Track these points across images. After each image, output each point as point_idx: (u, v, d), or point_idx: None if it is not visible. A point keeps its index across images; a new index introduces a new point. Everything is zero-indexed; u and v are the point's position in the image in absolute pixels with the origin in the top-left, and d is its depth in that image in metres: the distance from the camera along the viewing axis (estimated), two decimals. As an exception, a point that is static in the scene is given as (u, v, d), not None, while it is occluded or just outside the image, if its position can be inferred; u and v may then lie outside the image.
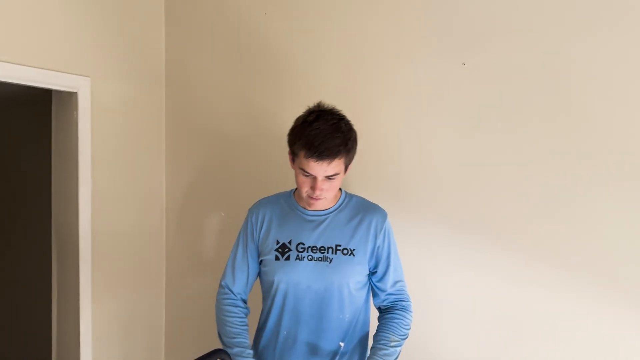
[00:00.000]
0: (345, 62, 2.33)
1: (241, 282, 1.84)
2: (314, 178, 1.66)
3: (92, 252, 2.44)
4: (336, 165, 1.64)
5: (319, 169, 1.62)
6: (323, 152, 1.60)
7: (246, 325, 1.82)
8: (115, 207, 2.58)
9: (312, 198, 1.69)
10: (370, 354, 1.72)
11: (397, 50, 2.21)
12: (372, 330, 1.85)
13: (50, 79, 2.32)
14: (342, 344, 1.75)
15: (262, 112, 2.56)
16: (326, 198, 1.70)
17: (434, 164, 2.14)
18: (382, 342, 1.70)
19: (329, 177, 1.65)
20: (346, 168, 1.72)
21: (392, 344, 1.70)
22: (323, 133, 1.61)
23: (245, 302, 1.87)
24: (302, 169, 1.65)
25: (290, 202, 1.83)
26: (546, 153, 1.94)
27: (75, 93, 2.42)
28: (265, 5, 2.52)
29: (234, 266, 1.85)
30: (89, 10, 2.45)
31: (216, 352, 1.45)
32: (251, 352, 1.75)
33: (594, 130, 1.87)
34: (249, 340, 1.79)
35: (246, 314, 1.85)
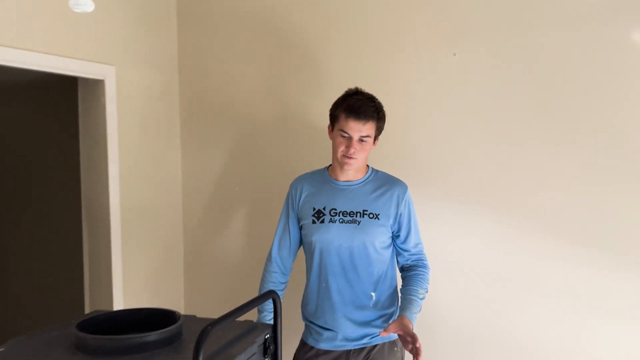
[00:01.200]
0: (348, 52, 2.61)
1: (285, 248, 2.19)
2: (350, 138, 1.99)
3: (121, 224, 2.71)
4: (369, 127, 1.99)
5: (356, 128, 1.98)
6: (360, 113, 1.97)
7: (278, 288, 2.18)
8: (138, 183, 2.85)
9: (346, 157, 2.01)
10: (402, 304, 2.03)
11: (396, 40, 2.51)
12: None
13: (80, 67, 2.56)
14: (373, 294, 2.07)
15: (268, 96, 2.84)
16: (357, 159, 2.02)
17: (430, 142, 2.45)
18: (413, 294, 2.02)
19: (361, 139, 1.99)
20: (375, 138, 2.06)
21: (420, 296, 2.04)
22: (361, 101, 2.01)
23: (287, 270, 2.21)
24: (342, 130, 2.01)
25: (325, 176, 2.16)
26: (534, 133, 2.27)
27: (103, 80, 2.66)
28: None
29: (279, 237, 2.20)
30: (113, 4, 2.69)
31: (268, 294, 1.70)
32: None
33: (574, 109, 2.21)
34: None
35: (284, 273, 2.21)
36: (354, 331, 2.06)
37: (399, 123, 2.49)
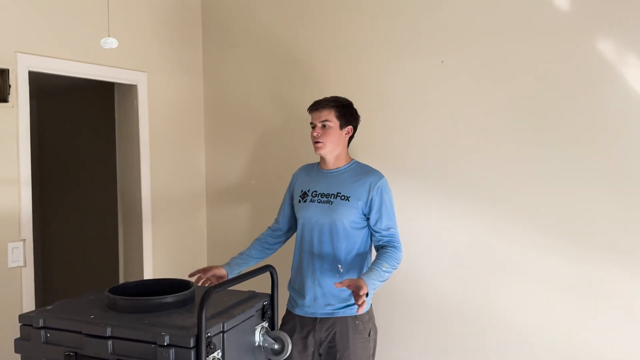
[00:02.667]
0: (350, 58, 2.92)
1: (282, 217, 2.61)
2: (315, 126, 2.39)
3: (151, 212, 3.09)
4: (327, 114, 2.36)
5: (316, 116, 2.39)
6: (316, 104, 2.41)
7: (262, 241, 2.61)
8: (167, 177, 3.22)
9: (314, 142, 2.39)
10: (368, 270, 2.24)
11: (393, 49, 2.80)
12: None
13: (116, 74, 2.93)
14: (340, 267, 2.36)
15: (284, 100, 3.17)
16: (324, 142, 2.36)
17: (418, 140, 2.74)
18: (377, 265, 2.25)
19: (323, 124, 2.36)
20: (342, 126, 2.38)
21: (384, 268, 2.25)
22: (322, 99, 2.43)
23: (285, 229, 2.63)
24: (311, 123, 2.41)
25: (317, 166, 2.53)
26: (517, 133, 2.55)
27: (136, 85, 3.03)
28: (287, 12, 3.11)
29: (279, 210, 2.64)
30: (145, 18, 3.05)
31: (266, 267, 2.02)
32: (247, 255, 2.57)
33: (555, 112, 2.46)
34: (254, 253, 2.58)
35: (274, 235, 2.62)
36: (322, 300, 2.35)
37: (396, 123, 2.79)
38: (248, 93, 3.28)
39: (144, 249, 3.08)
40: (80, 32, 2.77)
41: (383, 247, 2.36)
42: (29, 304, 2.58)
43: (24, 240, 2.57)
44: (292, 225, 2.61)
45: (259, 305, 1.93)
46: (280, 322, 2.41)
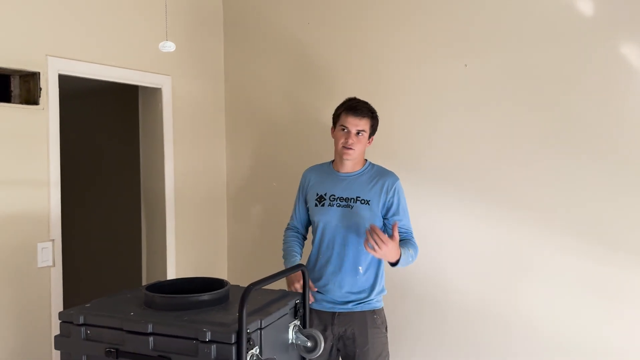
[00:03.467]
0: (372, 63, 2.96)
1: (298, 219, 2.62)
2: (349, 132, 2.39)
3: (175, 212, 3.14)
4: (365, 123, 2.40)
5: (353, 122, 2.39)
6: (357, 110, 2.40)
7: (297, 240, 2.60)
8: (190, 177, 3.27)
9: (345, 147, 2.39)
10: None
11: (412, 53, 2.84)
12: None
13: (143, 77, 2.98)
14: (361, 268, 2.41)
15: (302, 103, 3.21)
16: (355, 150, 2.39)
17: (440, 142, 2.78)
18: (406, 246, 2.33)
19: (358, 132, 2.38)
20: (370, 135, 2.43)
21: (410, 252, 2.35)
22: (359, 103, 2.45)
23: (303, 232, 2.64)
24: (342, 125, 2.41)
25: (329, 168, 2.55)
26: (532, 136, 2.58)
27: (160, 89, 3.08)
28: (308, 16, 3.15)
29: (294, 211, 2.64)
30: (169, 24, 3.09)
31: (298, 266, 2.06)
32: (297, 253, 2.53)
33: (566, 115, 2.51)
34: (297, 252, 2.54)
35: (299, 236, 2.63)
36: (341, 297, 2.41)
37: (418, 127, 2.83)
38: (268, 96, 3.33)
39: (167, 249, 3.12)
40: (107, 36, 2.82)
41: (403, 240, 2.41)
42: (57, 303, 2.62)
43: (53, 240, 2.61)
44: (308, 226, 2.65)
45: (291, 304, 1.97)
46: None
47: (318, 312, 2.46)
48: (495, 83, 2.65)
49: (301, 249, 2.61)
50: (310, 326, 2.40)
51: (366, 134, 2.42)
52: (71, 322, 1.79)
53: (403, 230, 2.44)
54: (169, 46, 2.21)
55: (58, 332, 1.86)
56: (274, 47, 3.29)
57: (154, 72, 3.04)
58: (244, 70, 3.42)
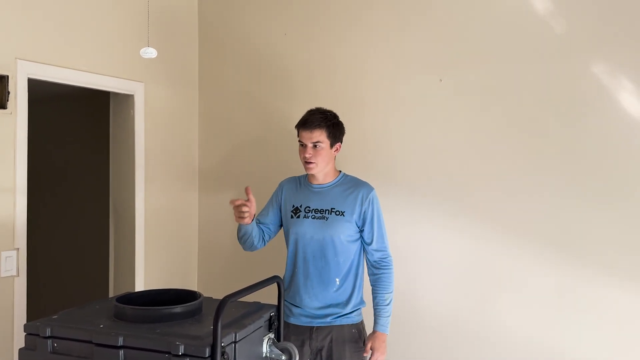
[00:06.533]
0: (347, 76, 2.97)
1: (268, 222, 2.54)
2: (305, 146, 2.36)
3: (144, 222, 3.07)
4: (319, 134, 2.35)
5: (306, 136, 2.36)
6: (307, 123, 2.36)
7: (260, 232, 2.49)
8: (161, 185, 3.21)
9: (306, 162, 2.38)
10: (376, 313, 2.39)
11: (388, 67, 2.86)
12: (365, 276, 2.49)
13: (115, 83, 2.93)
14: (337, 280, 2.39)
15: (275, 113, 3.20)
16: (316, 163, 2.36)
17: (414, 156, 2.79)
18: (380, 304, 2.39)
19: (314, 145, 2.34)
20: (332, 144, 2.39)
21: (387, 301, 2.39)
22: (311, 114, 2.40)
23: (264, 227, 2.52)
24: (299, 141, 2.40)
25: (304, 180, 2.54)
26: (508, 149, 2.62)
27: (132, 95, 3.03)
28: (285, 27, 3.15)
29: (265, 212, 2.57)
30: (143, 29, 3.05)
31: (274, 278, 2.03)
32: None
33: (542, 129, 2.54)
34: (254, 230, 2.43)
35: (264, 234, 2.52)
36: (318, 310, 2.39)
37: (394, 139, 2.84)
38: (242, 105, 3.30)
39: (136, 259, 3.05)
40: (79, 40, 2.76)
41: (375, 266, 2.44)
42: (20, 314, 2.53)
43: (18, 249, 2.53)
44: (275, 231, 2.58)
45: (266, 316, 1.94)
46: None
47: (295, 326, 2.42)
48: (470, 98, 2.69)
49: (260, 240, 2.49)
50: (288, 341, 2.39)
51: (324, 144, 2.37)
52: (37, 335, 1.73)
53: (376, 247, 2.42)
54: (150, 52, 2.18)
55: (22, 345, 1.79)
56: (248, 56, 3.28)
57: (126, 78, 2.99)
58: (218, 79, 3.39)
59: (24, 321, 2.44)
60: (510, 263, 2.62)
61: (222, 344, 1.61)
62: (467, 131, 2.70)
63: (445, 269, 2.75)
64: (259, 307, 2.00)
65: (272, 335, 1.96)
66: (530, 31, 2.57)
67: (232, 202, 2.35)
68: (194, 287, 3.49)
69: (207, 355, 1.56)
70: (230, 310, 1.89)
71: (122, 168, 3.09)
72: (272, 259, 2.78)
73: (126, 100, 3.05)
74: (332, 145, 2.41)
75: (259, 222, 2.53)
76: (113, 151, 3.15)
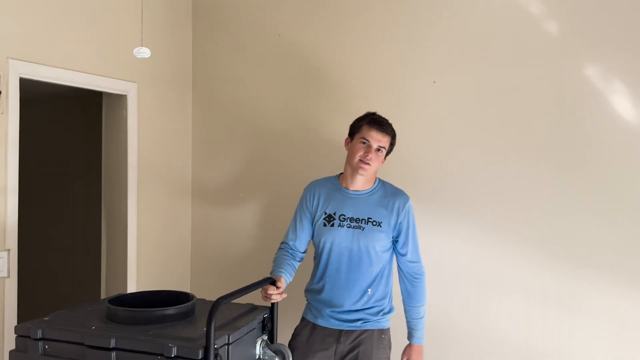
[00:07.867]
0: (340, 77, 2.97)
1: (302, 237, 2.41)
2: (369, 146, 2.27)
3: (137, 222, 3.05)
4: (387, 141, 2.31)
5: (376, 137, 2.27)
6: (383, 125, 2.29)
7: (289, 259, 2.37)
8: (153, 187, 3.19)
9: (362, 162, 2.27)
10: (408, 328, 2.39)
11: (382, 69, 2.86)
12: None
13: (108, 83, 2.90)
14: (370, 290, 2.33)
15: (269, 113, 3.19)
16: (371, 166, 2.28)
17: (408, 157, 2.80)
18: (415, 316, 2.38)
19: (378, 149, 2.29)
20: (386, 154, 2.35)
21: (422, 313, 2.37)
22: (383, 118, 2.34)
23: (302, 252, 2.43)
24: (363, 138, 2.29)
25: (336, 184, 2.42)
26: (503, 152, 2.63)
27: (125, 95, 3.01)
28: (279, 28, 3.14)
29: (295, 227, 2.42)
30: (137, 29, 3.04)
31: (267, 279, 2.02)
32: (282, 270, 2.26)
33: (540, 133, 2.55)
34: (286, 270, 2.30)
35: (295, 256, 2.41)
36: (348, 315, 2.32)
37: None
38: (236, 106, 3.29)
39: (128, 260, 3.03)
40: (71, 40, 2.74)
41: (411, 279, 2.39)
42: (11, 316, 2.51)
43: (9, 250, 2.51)
44: (306, 247, 2.48)
45: (259, 318, 1.94)
46: (294, 330, 2.42)
47: (323, 328, 2.35)
48: (464, 100, 2.69)
49: (293, 271, 2.37)
50: (313, 343, 2.33)
51: (384, 152, 2.33)
52: (28, 337, 1.72)
53: (410, 258, 2.37)
54: (144, 52, 2.16)
55: (13, 347, 1.78)
56: (242, 56, 3.27)
57: (119, 78, 2.97)
58: (212, 79, 3.38)
59: (15, 323, 2.42)
60: (501, 264, 2.62)
61: (215, 346, 1.60)
62: (461, 133, 2.70)
63: (441, 272, 2.74)
64: (252, 309, 1.99)
65: (265, 337, 1.96)
66: (524, 34, 2.57)
67: (264, 290, 2.15)
68: (186, 288, 3.47)
69: (200, 358, 1.56)
70: (224, 312, 1.89)
71: (115, 169, 3.06)
72: (265, 260, 2.74)
73: (119, 100, 3.03)
74: (386, 155, 2.38)
75: (291, 247, 2.43)
76: (105, 152, 3.12)
